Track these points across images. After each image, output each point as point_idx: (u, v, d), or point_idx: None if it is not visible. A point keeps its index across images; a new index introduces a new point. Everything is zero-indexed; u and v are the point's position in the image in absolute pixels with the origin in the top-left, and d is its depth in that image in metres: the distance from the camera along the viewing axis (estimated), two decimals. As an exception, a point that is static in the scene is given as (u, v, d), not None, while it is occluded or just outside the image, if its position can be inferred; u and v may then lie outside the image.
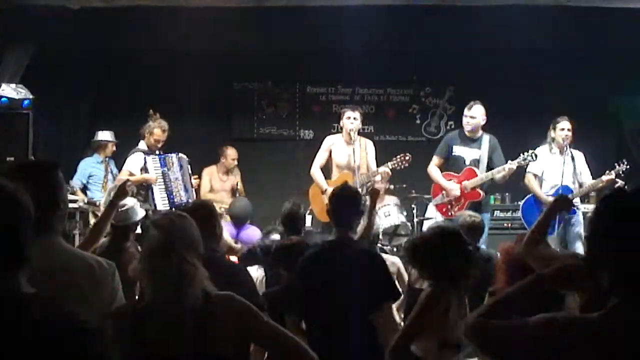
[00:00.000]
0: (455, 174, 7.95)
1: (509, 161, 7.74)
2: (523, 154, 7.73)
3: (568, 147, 8.07)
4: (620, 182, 7.83)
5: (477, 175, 7.82)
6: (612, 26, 9.13)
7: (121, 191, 4.66)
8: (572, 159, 8.05)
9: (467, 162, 7.92)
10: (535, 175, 8.22)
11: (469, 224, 5.78)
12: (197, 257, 2.84)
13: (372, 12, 8.93)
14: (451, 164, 8.03)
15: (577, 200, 8.08)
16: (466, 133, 8.01)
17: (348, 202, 4.46)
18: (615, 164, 7.99)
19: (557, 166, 8.08)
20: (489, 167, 7.84)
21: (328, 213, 4.52)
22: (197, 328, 2.70)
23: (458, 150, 7.99)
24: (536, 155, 7.70)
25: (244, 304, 2.84)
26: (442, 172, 8.05)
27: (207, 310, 2.73)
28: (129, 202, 6.29)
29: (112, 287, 2.78)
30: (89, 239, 4.37)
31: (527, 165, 7.90)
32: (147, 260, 2.82)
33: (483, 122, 7.97)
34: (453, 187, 7.86)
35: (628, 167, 7.95)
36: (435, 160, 8.11)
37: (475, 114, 7.92)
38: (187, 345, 2.70)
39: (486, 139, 7.95)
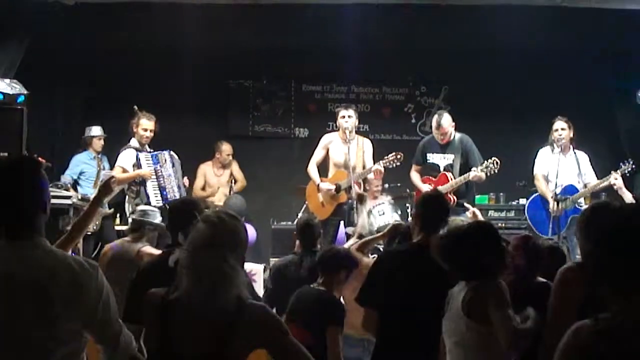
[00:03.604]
0: (433, 179, 8.02)
1: (473, 168, 7.69)
2: (487, 161, 7.65)
3: (571, 147, 8.04)
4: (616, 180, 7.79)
5: (449, 181, 7.84)
6: (607, 27, 9.13)
7: (106, 188, 4.57)
8: (577, 159, 8.00)
9: (442, 169, 7.98)
10: (543, 176, 8.21)
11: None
12: (239, 262, 2.84)
13: (368, 11, 8.93)
14: (428, 170, 8.11)
15: (581, 201, 8.06)
16: (438, 141, 8.02)
17: (437, 207, 4.44)
18: (621, 164, 7.87)
19: (560, 167, 7.98)
20: (465, 169, 7.80)
21: (413, 216, 4.47)
22: (224, 332, 2.71)
23: (431, 157, 8.05)
24: (497, 163, 7.57)
25: (274, 318, 2.87)
26: (421, 176, 8.13)
27: (238, 316, 2.73)
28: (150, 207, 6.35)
29: (96, 288, 2.72)
30: (71, 237, 4.17)
31: (488, 174, 7.66)
32: (189, 253, 2.82)
33: (453, 129, 7.94)
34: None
35: (634, 166, 7.82)
36: (414, 167, 8.22)
37: (446, 129, 7.88)
38: (209, 346, 2.70)
39: (458, 141, 7.94)
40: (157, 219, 6.26)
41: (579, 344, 2.19)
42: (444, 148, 7.98)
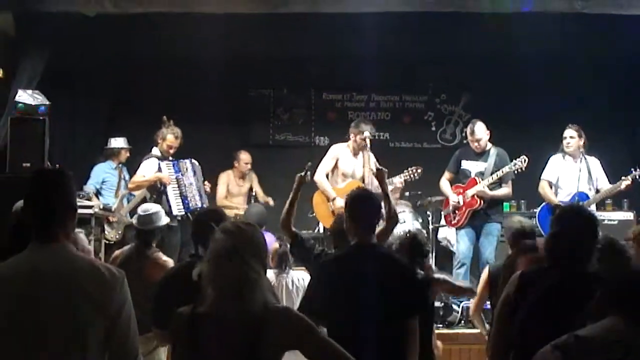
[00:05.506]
0: (463, 185, 8.23)
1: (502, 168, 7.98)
2: (514, 160, 7.96)
3: (581, 154, 8.07)
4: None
5: (477, 184, 8.05)
6: (627, 33, 9.06)
7: None
8: (587, 166, 8.03)
9: (473, 175, 8.20)
10: (550, 183, 8.21)
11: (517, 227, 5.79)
12: (262, 267, 2.87)
13: (387, 19, 8.90)
14: (461, 178, 8.32)
15: (593, 207, 8.04)
16: (474, 150, 8.26)
17: (367, 204, 4.40)
18: (632, 169, 7.93)
19: (572, 173, 8.10)
20: (496, 179, 8.04)
21: (347, 218, 4.43)
22: (253, 338, 2.72)
23: (466, 164, 8.30)
24: (526, 160, 7.86)
25: (299, 317, 2.89)
26: (452, 185, 8.36)
27: (264, 321, 2.75)
28: (154, 207, 6.30)
29: (121, 296, 2.80)
30: None
31: (517, 171, 7.99)
32: (212, 264, 2.84)
33: (487, 137, 8.18)
34: (454, 198, 8.20)
35: None
36: (446, 174, 8.45)
37: (479, 136, 8.16)
38: (241, 353, 2.72)
39: (493, 152, 8.19)
40: (163, 219, 6.23)
41: None
42: (478, 156, 8.24)
